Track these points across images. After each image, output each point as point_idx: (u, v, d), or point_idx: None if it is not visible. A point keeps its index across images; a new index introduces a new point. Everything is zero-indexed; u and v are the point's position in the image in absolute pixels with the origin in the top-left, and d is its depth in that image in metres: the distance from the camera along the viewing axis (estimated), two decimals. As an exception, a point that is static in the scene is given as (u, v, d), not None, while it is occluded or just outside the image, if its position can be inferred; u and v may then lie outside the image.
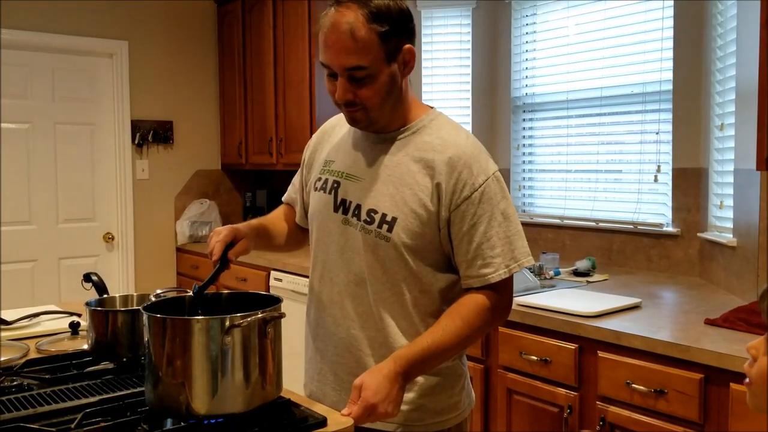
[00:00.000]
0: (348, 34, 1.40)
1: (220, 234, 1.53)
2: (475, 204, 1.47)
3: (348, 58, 1.42)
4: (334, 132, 1.71)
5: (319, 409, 1.40)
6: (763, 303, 0.92)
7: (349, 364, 1.56)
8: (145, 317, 1.32)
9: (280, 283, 3.69)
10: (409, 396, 1.52)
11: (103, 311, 1.67)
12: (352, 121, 1.53)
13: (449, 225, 1.49)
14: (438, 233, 1.50)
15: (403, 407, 1.51)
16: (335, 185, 1.59)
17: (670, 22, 3.10)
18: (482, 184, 1.48)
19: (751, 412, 1.79)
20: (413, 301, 1.51)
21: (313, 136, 1.79)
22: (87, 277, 1.94)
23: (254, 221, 1.73)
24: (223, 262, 1.50)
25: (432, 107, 1.62)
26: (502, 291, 1.50)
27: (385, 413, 1.36)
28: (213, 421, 1.28)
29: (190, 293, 1.49)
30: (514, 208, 1.53)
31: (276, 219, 1.83)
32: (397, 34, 1.45)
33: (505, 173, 3.79)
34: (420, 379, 1.52)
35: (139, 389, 1.46)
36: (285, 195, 1.88)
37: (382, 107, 1.49)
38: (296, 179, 1.83)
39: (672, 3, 3.09)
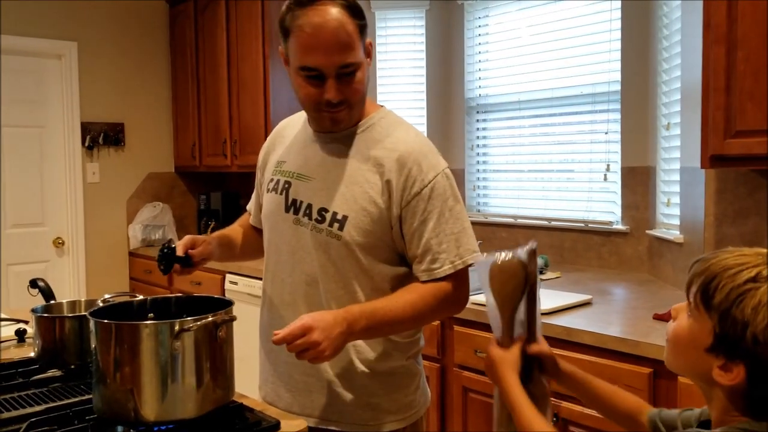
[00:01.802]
0: (340, 30, 1.39)
1: (181, 240, 1.57)
2: (425, 200, 1.48)
3: (342, 56, 1.40)
4: (287, 132, 1.70)
5: (273, 412, 1.39)
6: (690, 271, 0.97)
7: (302, 365, 1.54)
8: (92, 323, 1.29)
9: (236, 287, 3.65)
10: (362, 396, 1.53)
11: (49, 317, 1.64)
12: (332, 122, 1.50)
13: (401, 222, 1.49)
14: (390, 231, 1.50)
15: (357, 407, 1.52)
16: (286, 185, 1.59)
17: (618, 24, 3.17)
18: (432, 180, 1.49)
19: (696, 399, 1.84)
20: (366, 299, 1.51)
21: (268, 138, 1.78)
22: (33, 283, 1.90)
23: (215, 233, 1.74)
24: (186, 261, 1.54)
25: (382, 106, 1.62)
26: (456, 284, 1.51)
27: (318, 343, 1.28)
28: (163, 427, 1.27)
29: (140, 297, 1.47)
30: (462, 205, 1.54)
31: (237, 228, 1.83)
32: (365, 27, 1.46)
33: (460, 173, 3.82)
34: (374, 377, 1.53)
35: (87, 397, 1.44)
36: (249, 203, 1.87)
37: (362, 102, 1.51)
38: (257, 184, 1.82)
39: (620, 4, 3.16)
